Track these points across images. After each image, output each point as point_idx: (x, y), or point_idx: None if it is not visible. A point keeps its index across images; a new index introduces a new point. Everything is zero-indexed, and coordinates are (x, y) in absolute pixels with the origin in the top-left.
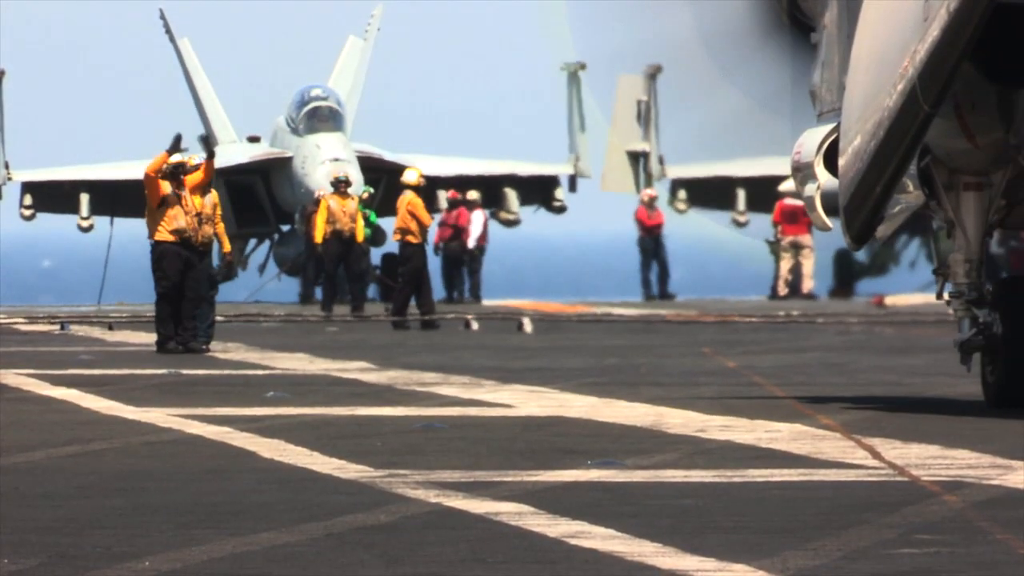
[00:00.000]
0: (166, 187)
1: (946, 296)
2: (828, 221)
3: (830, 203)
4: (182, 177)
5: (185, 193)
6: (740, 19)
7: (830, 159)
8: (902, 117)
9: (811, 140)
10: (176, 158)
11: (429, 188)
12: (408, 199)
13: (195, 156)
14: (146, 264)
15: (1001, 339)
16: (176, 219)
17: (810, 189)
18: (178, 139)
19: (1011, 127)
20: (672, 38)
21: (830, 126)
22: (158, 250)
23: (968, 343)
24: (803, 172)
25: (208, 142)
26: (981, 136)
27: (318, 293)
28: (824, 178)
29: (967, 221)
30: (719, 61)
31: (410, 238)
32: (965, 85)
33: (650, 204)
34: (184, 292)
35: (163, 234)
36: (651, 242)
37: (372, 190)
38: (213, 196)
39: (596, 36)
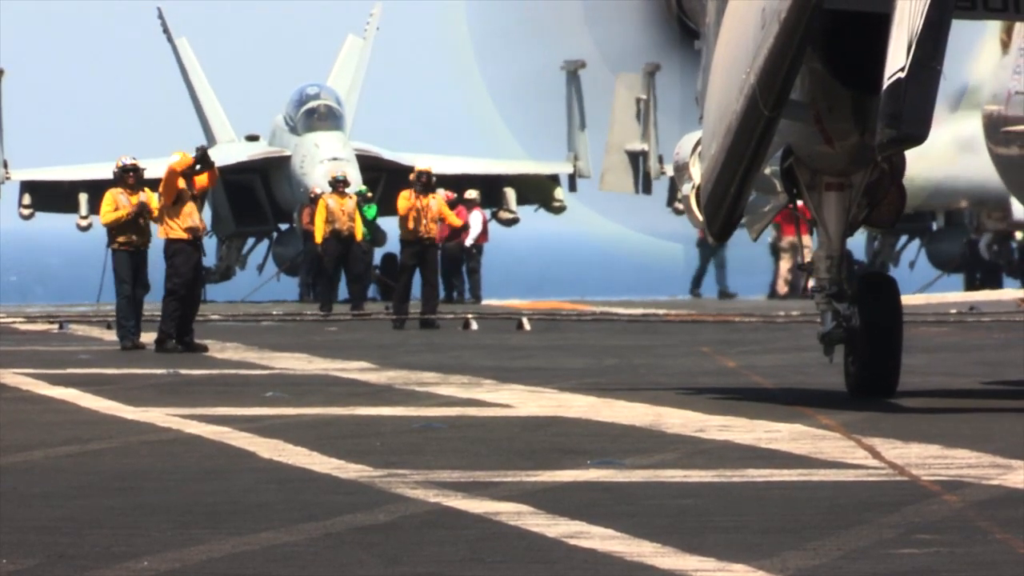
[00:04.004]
0: (181, 185)
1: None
2: (702, 218)
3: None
4: (193, 178)
5: (195, 191)
6: (632, 25)
7: None
8: (746, 121)
9: (688, 142)
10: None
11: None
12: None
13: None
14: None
15: (859, 331)
16: (191, 216)
17: (686, 188)
18: (203, 153)
19: (867, 130)
20: (564, 40)
21: None
22: (172, 248)
23: (829, 335)
24: (680, 172)
25: (202, 153)
26: (839, 140)
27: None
28: (698, 178)
29: (829, 220)
30: (610, 64)
31: (402, 235)
32: (822, 91)
33: None
34: (193, 293)
35: (177, 232)
36: (708, 244)
37: (366, 188)
38: (148, 194)
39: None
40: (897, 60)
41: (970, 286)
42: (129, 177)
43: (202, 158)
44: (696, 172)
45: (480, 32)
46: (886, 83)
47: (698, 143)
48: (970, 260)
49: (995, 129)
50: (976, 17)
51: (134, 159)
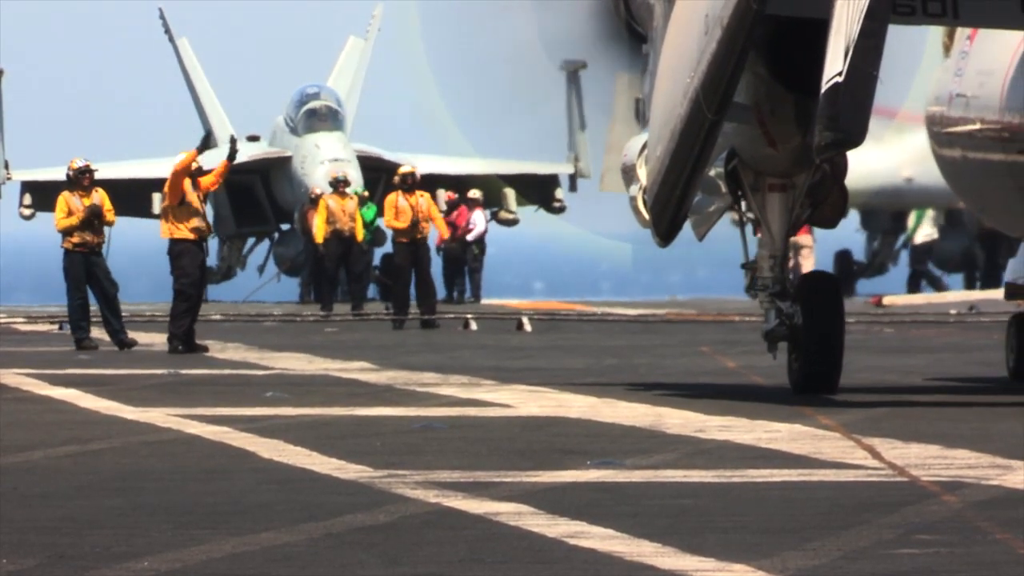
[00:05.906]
0: (187, 186)
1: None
2: (648, 219)
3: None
4: (197, 178)
5: (199, 193)
6: (581, 27)
7: None
8: (690, 124)
9: (635, 144)
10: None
11: (429, 188)
12: None
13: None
14: (148, 264)
15: (801, 329)
16: (197, 217)
17: (633, 190)
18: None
19: (810, 132)
20: (515, 41)
21: None
22: (177, 248)
23: (772, 333)
24: (628, 174)
25: (234, 145)
26: (782, 142)
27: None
28: (644, 180)
29: (772, 220)
30: (559, 67)
31: (395, 235)
32: (766, 94)
33: None
34: (199, 293)
35: (183, 232)
36: None
37: (360, 189)
38: (101, 194)
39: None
40: (835, 65)
41: (970, 286)
42: (84, 179)
43: (231, 151)
44: (643, 174)
45: (439, 37)
46: (824, 87)
47: (645, 146)
48: (971, 260)
49: (938, 131)
50: (915, 22)
51: (87, 161)
